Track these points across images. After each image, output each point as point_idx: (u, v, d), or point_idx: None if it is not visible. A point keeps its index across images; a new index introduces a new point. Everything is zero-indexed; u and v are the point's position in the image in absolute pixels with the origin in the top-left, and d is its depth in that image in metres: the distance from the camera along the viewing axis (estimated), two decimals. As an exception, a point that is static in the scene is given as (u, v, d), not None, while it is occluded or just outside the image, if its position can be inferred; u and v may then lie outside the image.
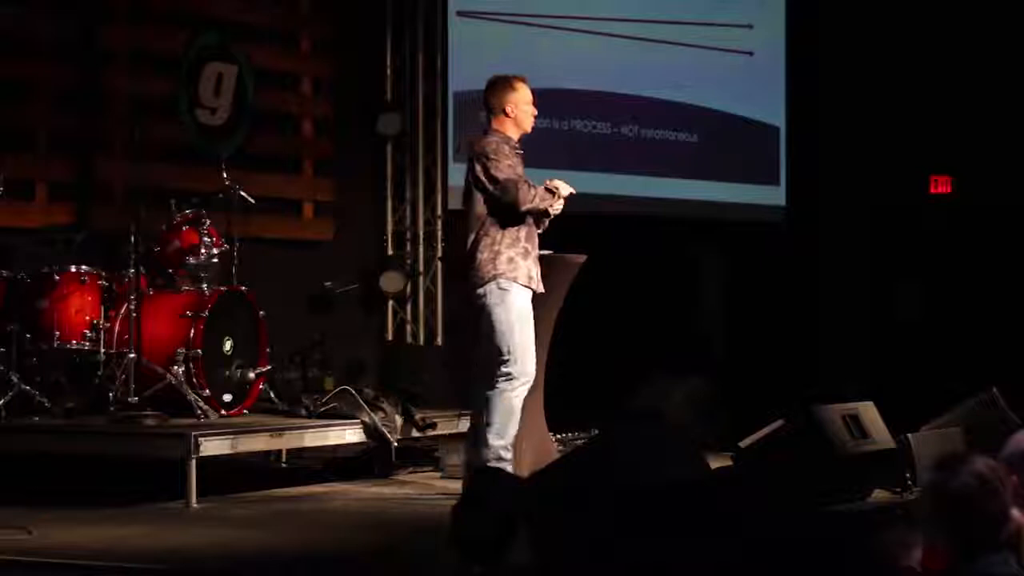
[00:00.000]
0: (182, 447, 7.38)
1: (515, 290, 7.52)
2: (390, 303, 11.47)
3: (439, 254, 11.39)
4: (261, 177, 10.14)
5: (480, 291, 7.49)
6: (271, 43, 10.82)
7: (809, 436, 7.24)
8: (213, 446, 7.51)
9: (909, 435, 7.59)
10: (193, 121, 10.14)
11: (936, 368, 10.80)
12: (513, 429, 7.44)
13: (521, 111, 7.92)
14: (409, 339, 11.44)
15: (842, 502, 7.15)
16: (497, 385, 7.44)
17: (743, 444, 7.66)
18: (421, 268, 11.52)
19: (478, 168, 7.66)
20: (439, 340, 11.46)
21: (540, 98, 11.59)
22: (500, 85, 7.93)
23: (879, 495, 7.47)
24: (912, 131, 12.03)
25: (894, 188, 12.24)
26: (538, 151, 11.24)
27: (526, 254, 7.58)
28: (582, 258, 8.16)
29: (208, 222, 8.47)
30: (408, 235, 11.52)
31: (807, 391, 8.79)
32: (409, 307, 11.53)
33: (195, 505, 7.38)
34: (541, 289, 7.66)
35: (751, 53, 12.40)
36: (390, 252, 11.47)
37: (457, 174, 11.24)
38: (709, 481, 5.90)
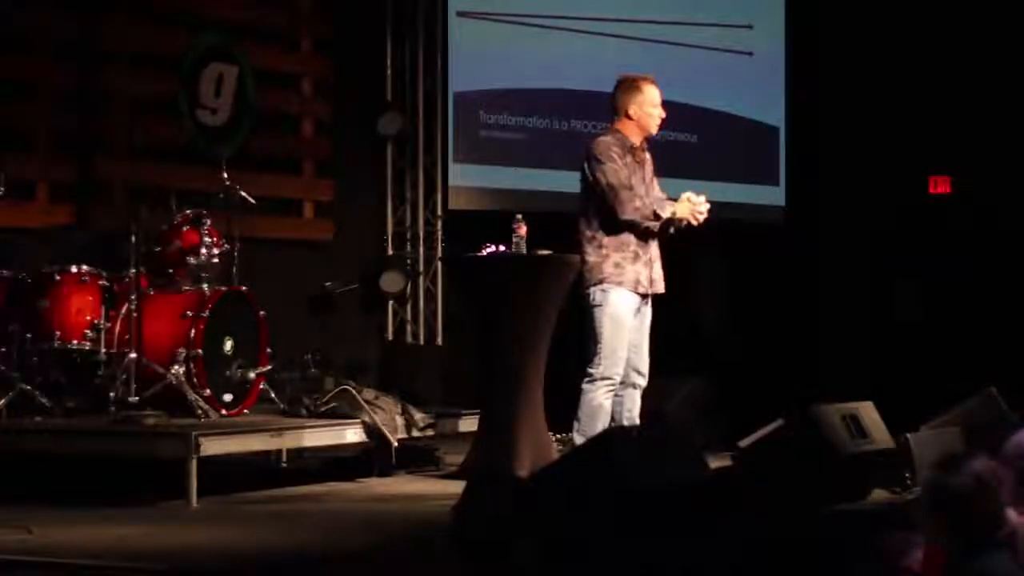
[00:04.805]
0: (183, 447, 7.38)
1: (616, 294, 7.72)
2: (390, 303, 11.48)
3: (439, 254, 11.40)
4: (261, 177, 10.14)
5: (586, 292, 7.77)
6: (272, 43, 10.82)
7: (809, 436, 7.24)
8: (214, 446, 7.52)
9: (909, 435, 7.59)
10: (194, 121, 10.15)
11: (936, 368, 10.80)
12: (598, 428, 7.59)
13: (645, 113, 7.86)
14: (409, 339, 11.45)
15: (842, 502, 7.15)
16: (583, 385, 7.72)
17: (743, 444, 7.67)
18: (421, 268, 11.53)
19: (587, 169, 7.78)
20: (439, 340, 11.47)
21: (540, 98, 11.71)
22: (625, 86, 7.89)
23: (879, 495, 7.47)
24: (912, 131, 12.04)
25: (894, 188, 12.25)
26: (539, 151, 11.30)
27: (635, 258, 7.75)
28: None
29: (209, 222, 8.47)
30: (408, 235, 11.53)
31: (807, 391, 8.80)
32: (409, 307, 11.53)
33: (195, 505, 7.38)
34: (657, 290, 7.86)
35: (751, 53, 12.41)
36: (390, 252, 11.48)
37: (457, 174, 11.30)
38: (709, 481, 5.91)
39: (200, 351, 8.10)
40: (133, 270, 8.08)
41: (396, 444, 8.45)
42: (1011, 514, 3.76)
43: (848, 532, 5.86)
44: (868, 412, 7.54)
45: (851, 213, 12.32)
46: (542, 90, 11.49)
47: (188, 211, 8.51)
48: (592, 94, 10.68)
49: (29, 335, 8.05)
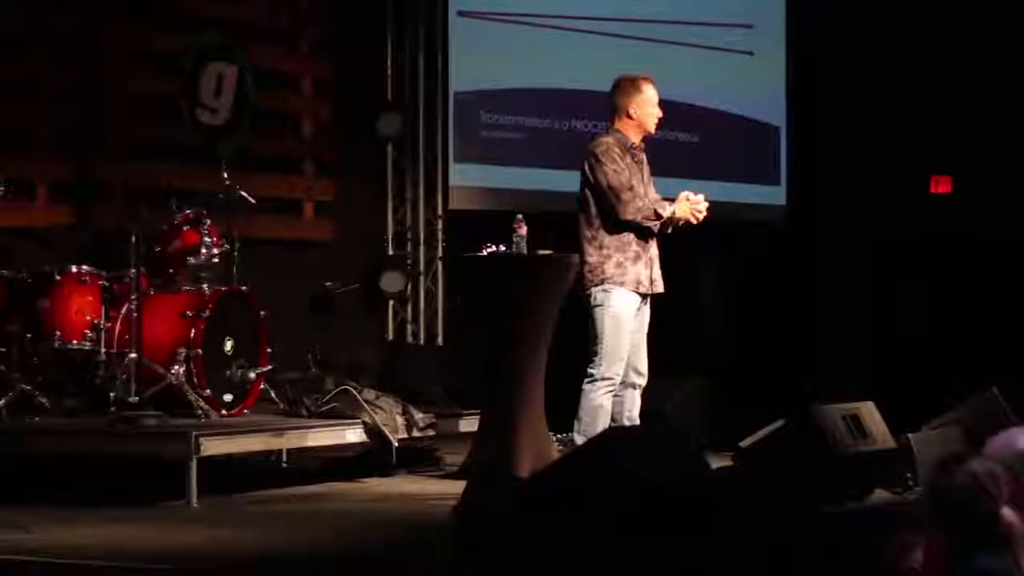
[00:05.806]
0: (183, 447, 7.38)
1: (617, 294, 7.75)
2: (391, 303, 11.48)
3: (440, 254, 11.40)
4: (261, 177, 10.14)
5: (587, 293, 7.80)
6: (272, 43, 10.83)
7: (809, 436, 7.24)
8: (214, 446, 7.52)
9: (909, 435, 7.60)
10: (194, 121, 10.14)
11: (936, 368, 10.79)
12: (598, 428, 7.62)
13: (645, 113, 7.92)
14: (409, 339, 11.45)
15: (842, 502, 7.15)
16: (583, 385, 7.75)
17: (743, 444, 7.67)
18: (422, 268, 11.53)
19: (587, 168, 7.80)
20: (440, 340, 11.47)
21: (540, 98, 11.71)
22: (625, 86, 7.94)
23: (879, 495, 7.47)
24: (912, 131, 12.03)
25: (894, 188, 12.24)
26: (539, 151, 11.29)
27: (636, 258, 7.78)
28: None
29: (209, 222, 8.47)
30: (409, 235, 11.53)
31: (807, 391, 8.79)
32: (410, 307, 11.53)
33: (195, 505, 7.38)
34: (657, 290, 7.90)
35: (751, 53, 12.41)
36: (390, 252, 11.48)
37: (458, 174, 11.30)
38: (709, 481, 5.90)
39: (200, 351, 8.10)
40: (133, 270, 8.08)
41: (396, 444, 8.45)
42: (1008, 513, 3.76)
43: (848, 532, 5.85)
44: (868, 412, 7.55)
45: (851, 213, 12.32)
46: (542, 90, 11.48)
47: (188, 211, 8.51)
48: (592, 94, 10.67)
49: (29, 335, 8.05)
